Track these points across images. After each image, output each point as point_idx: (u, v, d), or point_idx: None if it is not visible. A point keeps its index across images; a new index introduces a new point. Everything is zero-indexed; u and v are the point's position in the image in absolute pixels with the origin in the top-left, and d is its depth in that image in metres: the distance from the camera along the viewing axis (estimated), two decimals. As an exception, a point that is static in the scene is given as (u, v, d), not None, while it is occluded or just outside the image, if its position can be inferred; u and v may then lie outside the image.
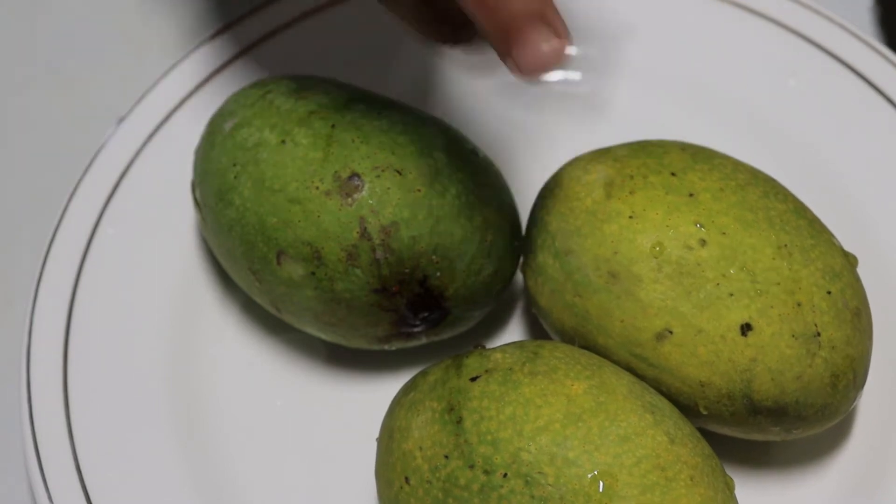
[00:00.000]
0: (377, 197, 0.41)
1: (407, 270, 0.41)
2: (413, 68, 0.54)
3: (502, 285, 0.45)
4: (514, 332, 0.47)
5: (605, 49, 0.55)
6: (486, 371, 0.37)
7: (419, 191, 0.42)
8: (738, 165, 0.42)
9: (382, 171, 0.41)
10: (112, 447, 0.44)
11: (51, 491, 0.42)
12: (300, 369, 0.47)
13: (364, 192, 0.41)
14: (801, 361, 0.38)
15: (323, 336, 0.45)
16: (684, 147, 0.42)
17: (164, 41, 0.60)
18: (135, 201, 0.50)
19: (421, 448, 0.36)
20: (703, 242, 0.39)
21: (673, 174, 0.40)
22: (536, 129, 0.53)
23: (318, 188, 0.41)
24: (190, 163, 0.48)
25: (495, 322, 0.48)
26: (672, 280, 0.39)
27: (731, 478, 0.38)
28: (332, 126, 0.43)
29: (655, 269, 0.39)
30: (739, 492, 0.40)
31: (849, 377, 0.39)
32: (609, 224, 0.40)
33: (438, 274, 0.42)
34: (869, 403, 0.45)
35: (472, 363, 0.38)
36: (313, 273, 0.42)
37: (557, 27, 0.36)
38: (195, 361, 0.47)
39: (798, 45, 0.53)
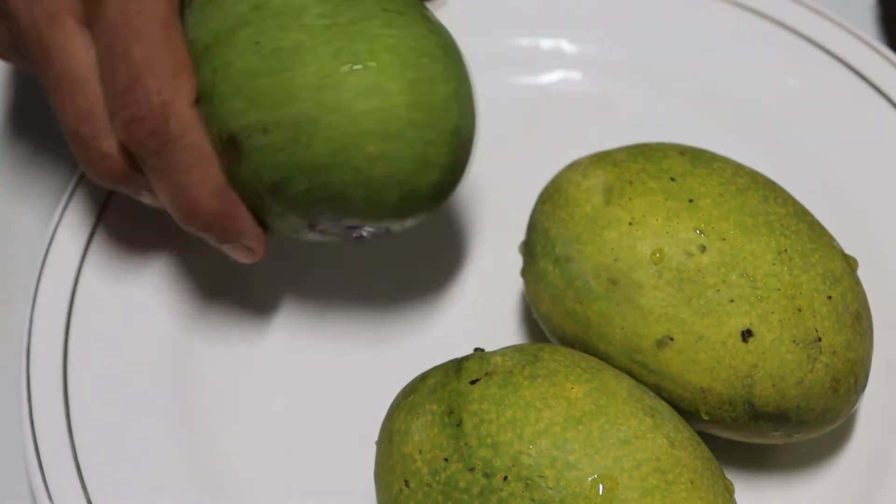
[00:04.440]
0: (258, 160, 0.40)
1: (317, 217, 0.41)
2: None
3: (439, 195, 0.42)
4: (514, 336, 0.48)
5: (605, 48, 0.55)
6: (486, 374, 0.37)
7: (285, 149, 0.39)
8: (737, 169, 0.42)
9: (254, 132, 0.40)
10: (112, 447, 0.44)
11: (51, 491, 0.42)
12: (300, 371, 0.47)
13: (248, 157, 0.40)
14: (802, 367, 0.38)
15: None
16: (683, 151, 0.42)
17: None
18: (135, 201, 0.49)
19: (420, 451, 0.36)
20: (703, 248, 0.39)
21: (672, 179, 0.40)
22: (536, 130, 0.53)
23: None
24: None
25: (495, 326, 0.48)
26: (672, 287, 0.39)
27: (730, 481, 0.38)
28: (227, 64, 0.40)
29: (656, 275, 0.39)
30: (739, 495, 0.40)
31: (850, 381, 0.39)
32: (609, 231, 0.40)
33: (348, 216, 0.41)
34: (870, 406, 0.45)
35: (472, 366, 0.38)
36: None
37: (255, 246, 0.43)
38: (195, 361, 0.47)
39: (798, 45, 0.53)
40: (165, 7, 0.40)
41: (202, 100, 0.40)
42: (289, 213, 0.41)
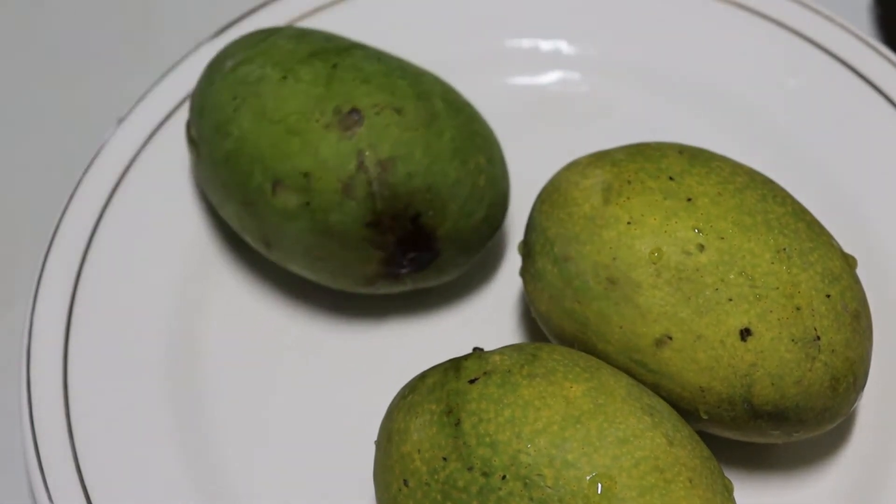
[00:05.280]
0: (376, 132, 0.42)
1: (401, 206, 0.43)
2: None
3: (491, 232, 0.46)
4: (513, 335, 0.48)
5: (604, 49, 0.55)
6: (485, 373, 0.37)
7: (417, 130, 0.43)
8: (736, 168, 0.42)
9: (382, 108, 0.43)
10: (112, 447, 0.44)
11: (51, 491, 0.42)
12: (299, 371, 0.47)
13: (363, 127, 0.42)
14: (801, 365, 0.38)
15: (310, 275, 0.46)
16: (682, 150, 0.42)
17: (164, 41, 0.60)
18: (135, 201, 0.50)
19: (419, 450, 0.36)
20: (701, 248, 0.39)
21: (671, 178, 0.40)
22: (535, 130, 0.53)
23: (318, 121, 0.42)
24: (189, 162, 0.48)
25: (494, 325, 0.48)
26: (671, 286, 0.39)
27: (729, 480, 0.38)
28: (334, 66, 0.44)
29: (654, 274, 0.39)
30: (738, 494, 0.40)
31: (849, 380, 0.39)
32: (607, 230, 0.40)
33: (431, 213, 0.43)
34: (869, 405, 0.45)
35: (471, 365, 0.38)
36: (308, 203, 0.43)
37: None
38: (195, 362, 0.47)
39: (798, 45, 0.53)
40: None
41: (315, 83, 0.43)
42: (368, 199, 0.42)
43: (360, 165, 0.42)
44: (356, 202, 0.42)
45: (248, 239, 0.46)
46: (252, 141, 0.43)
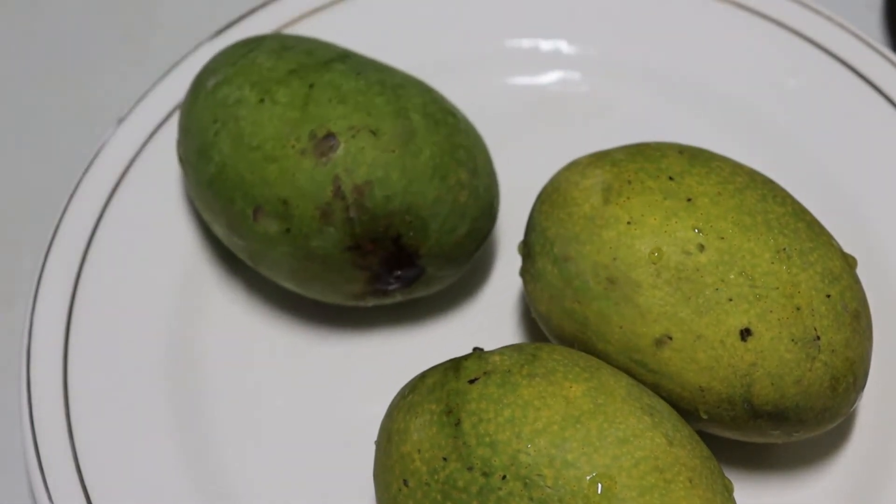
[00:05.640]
0: (352, 156, 0.42)
1: (380, 229, 0.42)
2: (412, 69, 0.54)
3: (476, 245, 0.46)
4: (513, 336, 0.48)
5: (604, 49, 0.55)
6: (485, 373, 0.37)
7: (393, 151, 0.42)
8: (736, 168, 0.42)
9: (358, 131, 0.42)
10: (112, 447, 0.44)
11: (51, 491, 0.42)
12: (300, 372, 0.47)
13: (339, 152, 0.42)
14: (801, 365, 0.38)
15: (300, 291, 0.46)
16: (682, 150, 0.42)
17: (164, 41, 0.60)
18: (135, 201, 0.50)
19: (419, 450, 0.36)
20: (701, 247, 0.39)
21: (671, 178, 0.40)
22: (535, 130, 0.53)
23: (294, 147, 0.42)
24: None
25: (495, 326, 0.48)
26: (671, 286, 0.39)
27: (729, 480, 0.38)
28: (311, 86, 0.43)
29: (654, 274, 0.39)
30: (738, 494, 0.40)
31: (849, 380, 0.39)
32: (607, 230, 0.40)
33: (411, 233, 0.43)
34: (869, 405, 0.45)
35: (471, 365, 0.38)
36: (288, 230, 0.43)
37: None
38: (195, 362, 0.47)
39: (798, 45, 0.53)
40: None
41: (292, 105, 0.43)
42: (346, 224, 0.42)
43: (337, 191, 0.42)
44: (335, 228, 0.42)
45: (240, 258, 0.46)
46: (232, 167, 0.43)
